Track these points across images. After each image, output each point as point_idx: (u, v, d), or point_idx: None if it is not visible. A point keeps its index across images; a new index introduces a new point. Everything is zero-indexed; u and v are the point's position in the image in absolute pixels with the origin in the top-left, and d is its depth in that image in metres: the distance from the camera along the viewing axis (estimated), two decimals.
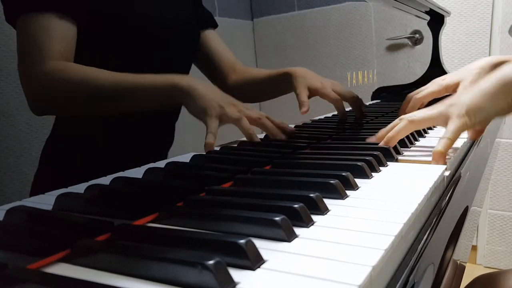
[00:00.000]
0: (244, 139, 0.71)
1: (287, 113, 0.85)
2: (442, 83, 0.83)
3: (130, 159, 0.54)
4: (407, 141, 0.69)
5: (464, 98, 0.59)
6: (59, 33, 0.46)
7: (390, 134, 0.62)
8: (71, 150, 0.49)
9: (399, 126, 0.62)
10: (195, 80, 0.59)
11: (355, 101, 0.89)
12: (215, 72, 0.71)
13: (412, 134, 0.73)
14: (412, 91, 0.90)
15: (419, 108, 0.83)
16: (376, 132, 0.78)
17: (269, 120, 0.67)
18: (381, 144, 0.62)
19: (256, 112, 0.65)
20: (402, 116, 0.63)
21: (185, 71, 0.67)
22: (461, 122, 0.58)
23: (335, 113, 1.04)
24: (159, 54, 0.62)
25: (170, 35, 0.64)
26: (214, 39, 0.71)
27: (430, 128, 0.86)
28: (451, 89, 0.81)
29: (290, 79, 0.77)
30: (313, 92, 0.79)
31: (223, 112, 0.59)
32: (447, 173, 0.55)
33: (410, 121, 0.62)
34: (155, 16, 0.61)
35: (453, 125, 0.58)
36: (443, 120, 0.60)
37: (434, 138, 0.77)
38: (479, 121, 0.59)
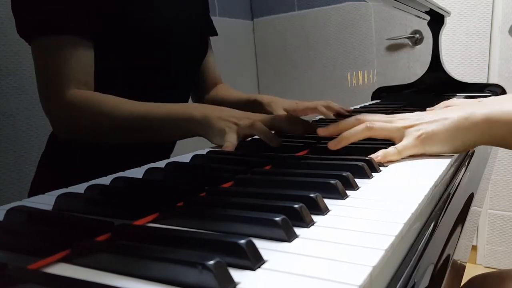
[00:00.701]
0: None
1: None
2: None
3: (130, 163, 0.54)
4: None
5: (428, 125, 0.59)
6: (78, 57, 0.46)
7: (345, 134, 0.61)
8: (72, 152, 0.49)
9: (356, 129, 0.61)
10: (208, 108, 0.61)
11: (329, 105, 0.95)
12: (199, 84, 0.72)
13: None
14: (412, 91, 0.91)
15: None
16: None
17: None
18: (332, 142, 0.61)
19: (266, 116, 0.66)
20: (361, 118, 0.63)
21: (193, 76, 0.67)
22: (413, 146, 0.58)
23: (335, 113, 1.04)
24: (173, 61, 0.62)
25: (183, 42, 0.65)
26: (210, 51, 0.71)
27: None
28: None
29: (261, 106, 0.79)
30: (291, 111, 0.83)
31: (238, 125, 0.61)
32: (446, 172, 0.55)
33: (369, 128, 0.61)
34: (169, 24, 0.61)
35: (406, 142, 0.58)
36: (399, 136, 0.60)
37: None
38: (429, 152, 0.59)
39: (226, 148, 0.58)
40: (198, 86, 0.71)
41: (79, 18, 0.46)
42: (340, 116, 0.97)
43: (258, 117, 0.65)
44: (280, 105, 0.81)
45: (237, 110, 0.63)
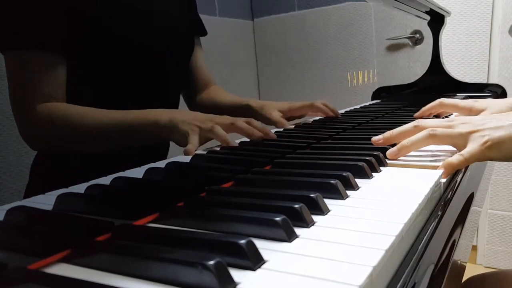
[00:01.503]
0: (245, 139, 0.71)
1: None
2: (471, 104, 0.86)
3: (118, 166, 0.54)
4: None
5: (494, 131, 0.55)
6: (48, 72, 0.46)
7: (405, 142, 0.58)
8: (61, 158, 0.50)
9: (417, 137, 0.58)
10: (173, 112, 0.61)
11: (324, 105, 0.94)
12: (190, 85, 0.71)
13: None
14: (412, 91, 0.91)
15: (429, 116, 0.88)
16: (377, 132, 0.78)
17: (244, 122, 0.67)
18: (391, 152, 0.59)
19: (228, 118, 0.65)
20: (420, 124, 0.60)
21: (182, 76, 0.67)
22: (480, 152, 0.54)
23: None
24: (156, 63, 0.62)
25: (166, 43, 0.64)
26: (199, 50, 0.71)
27: None
28: (474, 113, 0.83)
29: (253, 110, 0.78)
30: (286, 112, 0.83)
31: (200, 128, 0.60)
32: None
33: (432, 135, 0.57)
34: (149, 26, 0.61)
35: (471, 149, 0.55)
36: (462, 143, 0.57)
37: None
38: (493, 159, 0.56)
39: (187, 151, 0.58)
40: (188, 86, 0.71)
41: (49, 32, 0.47)
42: (334, 116, 0.96)
43: (221, 119, 0.64)
44: (273, 107, 0.80)
45: (203, 114, 0.63)
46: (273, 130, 0.81)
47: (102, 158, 0.53)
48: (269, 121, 0.79)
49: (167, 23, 0.65)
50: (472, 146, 0.55)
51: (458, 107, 0.88)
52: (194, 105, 0.71)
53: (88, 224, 0.36)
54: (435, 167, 0.54)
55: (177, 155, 0.60)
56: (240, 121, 0.66)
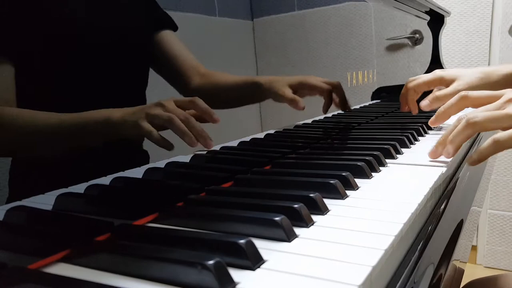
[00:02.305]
0: (245, 139, 0.71)
1: (287, 112, 0.85)
2: (439, 74, 0.82)
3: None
4: (407, 141, 0.69)
5: None
6: None
7: (450, 137, 0.54)
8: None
9: (457, 129, 0.53)
10: (124, 109, 0.56)
11: (338, 87, 0.88)
12: (175, 76, 0.70)
13: (411, 133, 0.73)
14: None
15: (418, 99, 0.84)
16: (375, 132, 0.78)
17: (192, 107, 0.60)
18: (434, 152, 0.56)
19: (182, 113, 0.58)
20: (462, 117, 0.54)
21: (142, 77, 0.65)
22: None
23: (335, 113, 1.04)
24: (110, 66, 0.61)
25: (115, 44, 0.62)
26: (172, 41, 0.69)
27: (429, 128, 0.86)
28: (445, 83, 0.80)
29: (262, 87, 0.73)
30: (298, 86, 0.76)
31: (149, 113, 0.55)
32: (446, 172, 0.55)
33: (472, 123, 0.51)
34: (99, 29, 0.59)
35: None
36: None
37: (436, 136, 0.77)
38: None
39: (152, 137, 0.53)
40: (176, 80, 0.69)
41: None
42: (334, 116, 0.92)
43: (170, 103, 0.58)
44: (284, 83, 0.74)
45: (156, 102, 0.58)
46: (272, 130, 0.81)
47: (78, 165, 0.52)
48: (280, 99, 0.73)
49: (114, 24, 0.63)
50: None
51: (427, 83, 0.83)
52: (192, 94, 0.69)
53: (87, 224, 0.37)
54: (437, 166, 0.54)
55: (177, 155, 0.60)
56: (194, 121, 0.58)
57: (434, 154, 0.56)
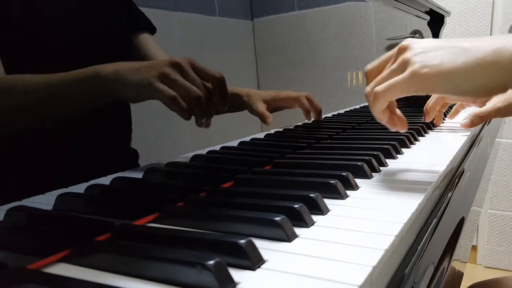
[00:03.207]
0: (245, 139, 0.71)
1: (287, 112, 0.85)
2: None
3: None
4: (407, 141, 0.69)
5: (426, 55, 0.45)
6: None
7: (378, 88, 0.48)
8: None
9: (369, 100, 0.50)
10: (118, 63, 0.51)
11: (309, 97, 0.87)
12: None
13: (411, 133, 0.73)
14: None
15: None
16: (375, 132, 0.78)
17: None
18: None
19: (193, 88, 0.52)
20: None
21: None
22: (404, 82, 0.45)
23: (335, 113, 1.04)
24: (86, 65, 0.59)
25: (93, 46, 0.61)
26: (149, 44, 0.67)
27: (429, 128, 0.86)
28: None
29: (239, 99, 0.74)
30: (271, 101, 0.77)
31: (163, 73, 0.50)
32: (444, 171, 0.55)
33: (376, 94, 0.48)
34: (75, 33, 0.57)
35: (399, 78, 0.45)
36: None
37: (436, 136, 0.77)
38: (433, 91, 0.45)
39: (172, 101, 0.48)
40: None
41: None
42: (316, 116, 0.89)
43: (184, 61, 0.53)
44: (259, 97, 0.76)
45: (155, 61, 0.53)
46: (272, 130, 0.81)
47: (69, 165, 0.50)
48: (253, 112, 0.74)
49: (90, 26, 0.61)
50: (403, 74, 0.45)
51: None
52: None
53: (88, 224, 0.37)
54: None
55: (177, 155, 0.60)
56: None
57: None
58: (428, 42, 0.48)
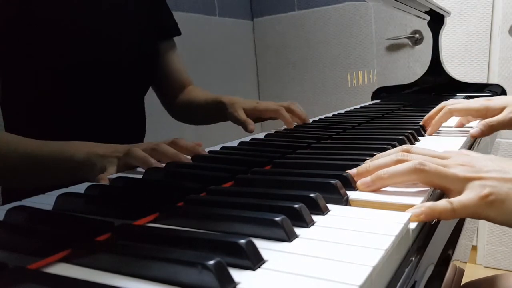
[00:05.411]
0: (245, 139, 0.71)
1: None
2: (485, 104, 0.77)
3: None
4: (407, 141, 0.69)
5: (500, 183, 0.42)
6: None
7: (383, 173, 0.46)
8: None
9: (401, 168, 0.46)
10: (93, 146, 0.54)
11: (290, 107, 0.84)
12: (166, 89, 0.68)
13: (411, 133, 0.73)
14: (412, 91, 0.89)
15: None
16: (375, 132, 0.78)
17: (168, 146, 0.58)
18: (364, 181, 0.47)
19: (150, 144, 0.57)
20: (404, 158, 0.47)
21: (143, 89, 0.64)
22: (477, 206, 0.42)
23: (335, 113, 1.04)
24: (110, 78, 0.59)
25: (119, 56, 0.60)
26: (171, 53, 0.66)
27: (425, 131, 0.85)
28: (492, 114, 0.76)
29: (223, 106, 0.74)
30: (251, 111, 0.77)
31: (119, 158, 0.55)
32: None
33: (420, 169, 0.45)
34: (101, 39, 0.57)
35: (466, 199, 0.42)
36: (457, 187, 0.44)
37: (436, 136, 0.77)
38: (490, 219, 0.42)
39: (99, 177, 0.52)
40: (164, 91, 0.68)
41: None
42: (302, 123, 0.86)
43: (142, 146, 0.57)
44: (240, 105, 0.75)
45: (123, 145, 0.56)
46: (272, 130, 0.81)
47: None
48: (234, 120, 0.74)
49: (116, 34, 0.61)
50: (468, 196, 0.42)
51: (471, 110, 0.78)
52: (172, 109, 0.68)
53: (88, 224, 0.37)
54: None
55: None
56: (163, 146, 0.57)
57: (367, 187, 0.46)
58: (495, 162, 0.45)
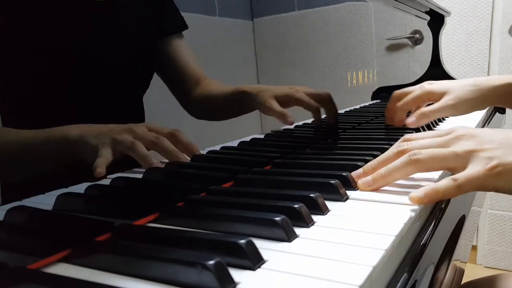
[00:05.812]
0: (245, 139, 0.71)
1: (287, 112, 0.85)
2: (428, 88, 0.75)
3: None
4: None
5: (506, 152, 0.41)
6: None
7: (383, 171, 0.46)
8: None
9: (397, 163, 0.45)
10: (85, 127, 0.52)
11: (326, 100, 0.80)
12: (179, 85, 0.67)
13: (411, 133, 0.73)
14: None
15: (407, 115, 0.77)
16: (375, 132, 0.78)
17: (172, 141, 0.56)
18: (365, 180, 0.46)
19: (153, 135, 0.55)
20: (403, 148, 0.47)
21: (142, 89, 0.64)
22: (484, 177, 0.41)
23: None
24: (109, 78, 0.57)
25: (118, 55, 0.59)
26: (179, 48, 0.64)
27: (440, 120, 0.84)
28: (434, 98, 0.74)
29: (247, 96, 0.69)
30: (283, 98, 0.71)
31: (114, 139, 0.52)
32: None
33: (414, 160, 0.44)
34: (97, 43, 0.57)
35: (471, 173, 0.41)
36: (460, 164, 0.43)
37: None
38: (501, 191, 0.41)
39: (94, 167, 0.49)
40: (178, 88, 0.68)
41: None
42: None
43: (140, 130, 0.54)
44: (271, 94, 0.70)
45: (120, 125, 0.54)
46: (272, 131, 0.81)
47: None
48: (267, 111, 0.69)
49: (114, 33, 0.61)
50: (474, 170, 0.41)
51: (416, 99, 0.75)
52: (190, 105, 0.68)
53: (88, 224, 0.37)
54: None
55: None
56: (165, 141, 0.54)
57: (367, 186, 0.46)
58: (492, 132, 0.45)
